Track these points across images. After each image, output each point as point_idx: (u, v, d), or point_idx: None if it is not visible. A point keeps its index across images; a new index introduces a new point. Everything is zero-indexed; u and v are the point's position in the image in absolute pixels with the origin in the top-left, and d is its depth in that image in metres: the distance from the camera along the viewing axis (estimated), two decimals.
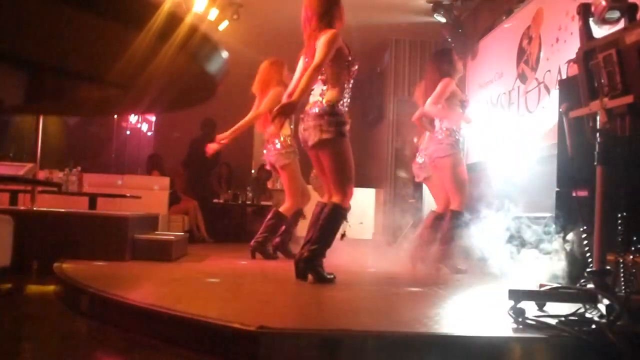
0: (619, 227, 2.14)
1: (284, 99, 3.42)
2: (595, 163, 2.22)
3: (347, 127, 3.32)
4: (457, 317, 2.49)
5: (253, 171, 9.73)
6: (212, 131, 8.44)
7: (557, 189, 3.54)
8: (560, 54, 4.76)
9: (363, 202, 7.54)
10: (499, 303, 2.41)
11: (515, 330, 2.03)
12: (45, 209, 4.71)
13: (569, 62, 4.07)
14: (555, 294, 2.51)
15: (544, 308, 2.37)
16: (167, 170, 8.00)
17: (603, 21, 2.37)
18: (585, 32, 2.40)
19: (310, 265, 3.17)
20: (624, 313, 1.91)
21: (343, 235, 5.41)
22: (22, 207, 5.03)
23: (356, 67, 3.40)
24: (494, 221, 4.09)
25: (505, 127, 5.90)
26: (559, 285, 2.65)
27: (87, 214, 4.60)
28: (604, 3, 2.32)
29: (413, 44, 8.35)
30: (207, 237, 7.53)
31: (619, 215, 2.16)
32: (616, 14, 2.36)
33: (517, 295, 2.26)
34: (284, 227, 4.85)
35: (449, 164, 4.34)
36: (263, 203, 8.08)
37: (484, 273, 4.10)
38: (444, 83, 4.36)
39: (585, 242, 2.36)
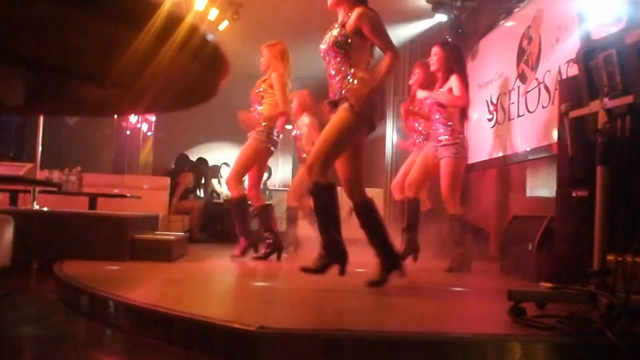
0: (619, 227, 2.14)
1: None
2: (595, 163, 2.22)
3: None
4: (457, 317, 2.49)
5: None
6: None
7: (557, 189, 3.54)
8: (560, 54, 4.76)
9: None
10: (499, 303, 2.41)
11: (515, 330, 2.03)
12: (45, 209, 4.71)
13: (569, 62, 4.07)
14: (555, 294, 2.50)
15: (544, 308, 2.37)
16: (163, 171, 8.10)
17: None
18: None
19: None
20: (624, 313, 1.91)
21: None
22: (22, 207, 5.03)
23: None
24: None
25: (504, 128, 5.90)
26: (559, 285, 2.65)
27: (87, 214, 4.59)
28: None
29: (413, 44, 8.34)
30: (200, 236, 7.57)
31: (619, 215, 2.16)
32: None
33: (517, 295, 2.26)
34: None
35: None
36: None
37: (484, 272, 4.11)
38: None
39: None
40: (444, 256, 4.67)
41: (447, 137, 4.41)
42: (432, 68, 4.58)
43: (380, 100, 3.18)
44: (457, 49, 4.71)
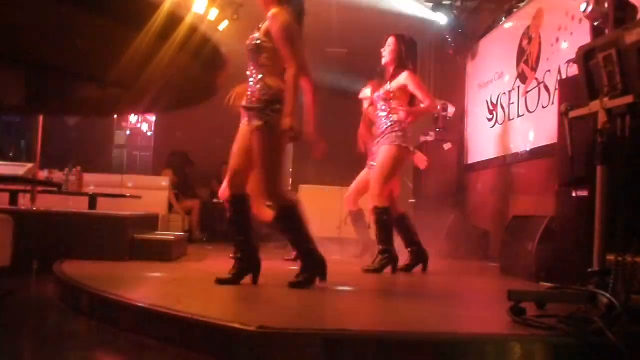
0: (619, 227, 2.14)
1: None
2: (595, 163, 2.22)
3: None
4: (457, 316, 2.49)
5: None
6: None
7: (557, 189, 3.54)
8: (560, 54, 4.76)
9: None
10: (499, 303, 2.41)
11: (515, 330, 2.03)
12: (45, 209, 4.71)
13: (569, 62, 4.07)
14: (555, 294, 2.51)
15: (544, 308, 2.37)
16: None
17: None
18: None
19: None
20: (624, 313, 1.91)
21: None
22: (22, 207, 5.03)
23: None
24: None
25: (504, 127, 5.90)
26: (559, 285, 2.65)
27: (87, 214, 4.59)
28: None
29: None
30: (201, 236, 7.53)
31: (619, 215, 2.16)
32: None
33: (517, 295, 2.26)
34: None
35: None
36: None
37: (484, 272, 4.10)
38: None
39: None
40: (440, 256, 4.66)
41: (389, 126, 4.05)
42: (384, 60, 4.21)
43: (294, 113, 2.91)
44: (414, 44, 4.29)
